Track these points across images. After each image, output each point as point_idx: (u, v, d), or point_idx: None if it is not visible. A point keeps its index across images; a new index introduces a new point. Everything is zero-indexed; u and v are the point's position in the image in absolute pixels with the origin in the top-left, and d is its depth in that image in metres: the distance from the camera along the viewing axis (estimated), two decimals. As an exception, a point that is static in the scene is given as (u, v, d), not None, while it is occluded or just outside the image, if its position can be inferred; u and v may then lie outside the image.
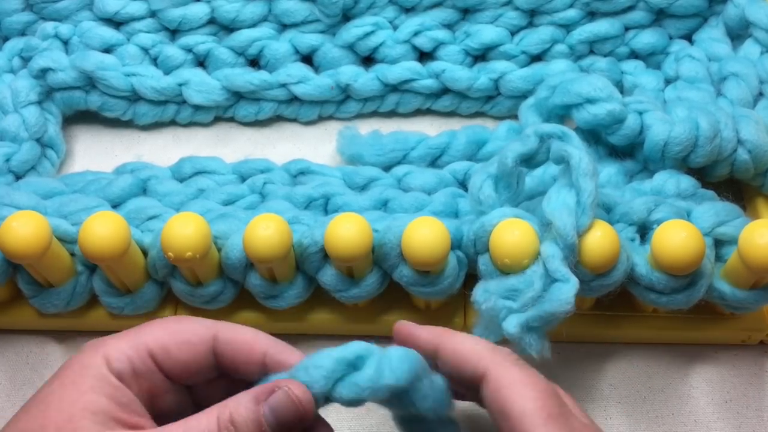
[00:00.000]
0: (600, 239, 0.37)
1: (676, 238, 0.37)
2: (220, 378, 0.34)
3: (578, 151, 0.37)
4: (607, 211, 0.42)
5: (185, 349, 0.32)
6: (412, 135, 0.51)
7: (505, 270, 0.38)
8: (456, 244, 0.41)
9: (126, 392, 0.31)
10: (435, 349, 0.34)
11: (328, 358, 0.31)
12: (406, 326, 0.35)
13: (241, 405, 0.30)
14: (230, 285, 0.42)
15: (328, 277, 0.41)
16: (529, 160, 0.40)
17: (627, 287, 0.40)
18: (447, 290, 0.40)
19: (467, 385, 0.33)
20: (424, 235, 0.38)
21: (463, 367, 0.33)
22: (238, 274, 0.41)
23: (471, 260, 0.41)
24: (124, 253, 0.39)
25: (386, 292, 0.42)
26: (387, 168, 0.49)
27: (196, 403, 0.34)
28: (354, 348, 0.31)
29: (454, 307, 0.44)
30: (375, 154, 0.50)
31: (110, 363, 0.31)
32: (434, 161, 0.50)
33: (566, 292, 0.36)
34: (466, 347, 0.33)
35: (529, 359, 0.35)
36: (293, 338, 0.38)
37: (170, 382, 0.33)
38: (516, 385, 0.31)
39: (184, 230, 0.38)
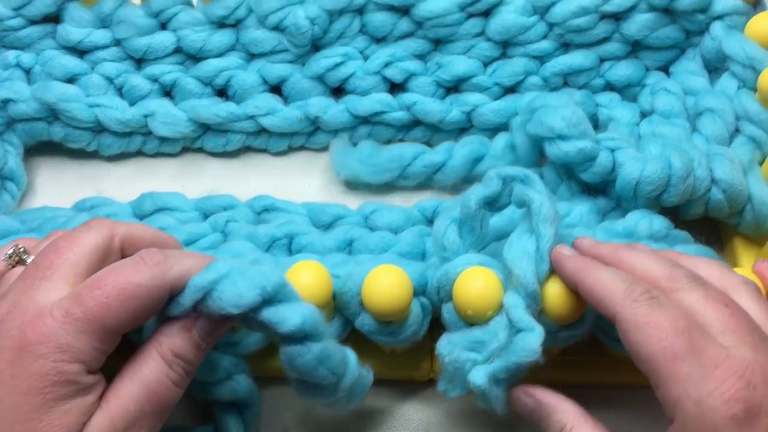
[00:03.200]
0: (565, 290, 0.36)
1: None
2: None
3: (539, 196, 0.36)
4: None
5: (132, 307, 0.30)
6: (409, 149, 0.50)
7: (468, 321, 0.37)
8: (420, 291, 0.40)
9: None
10: (575, 284, 0.34)
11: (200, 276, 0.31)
12: (556, 253, 0.35)
13: (174, 338, 0.31)
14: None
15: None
16: (493, 203, 0.39)
17: (597, 335, 0.39)
18: (410, 339, 0.39)
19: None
20: (385, 285, 0.37)
21: (598, 307, 0.33)
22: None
23: (436, 307, 0.40)
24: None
25: (352, 331, 0.41)
26: (385, 185, 0.49)
27: None
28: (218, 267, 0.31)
29: (420, 352, 0.42)
30: (371, 174, 0.49)
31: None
32: (432, 175, 0.50)
33: (531, 341, 0.35)
34: (599, 286, 0.32)
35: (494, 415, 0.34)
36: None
37: None
38: (642, 328, 0.30)
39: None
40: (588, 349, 0.41)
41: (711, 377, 0.28)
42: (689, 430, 0.28)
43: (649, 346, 0.29)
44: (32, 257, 0.34)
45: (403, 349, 0.42)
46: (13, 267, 0.34)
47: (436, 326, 0.40)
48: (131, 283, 0.30)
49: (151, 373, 0.31)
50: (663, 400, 0.29)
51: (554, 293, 0.36)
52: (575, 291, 0.35)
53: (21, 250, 0.34)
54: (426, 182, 0.51)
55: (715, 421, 0.27)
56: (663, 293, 0.31)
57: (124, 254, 0.34)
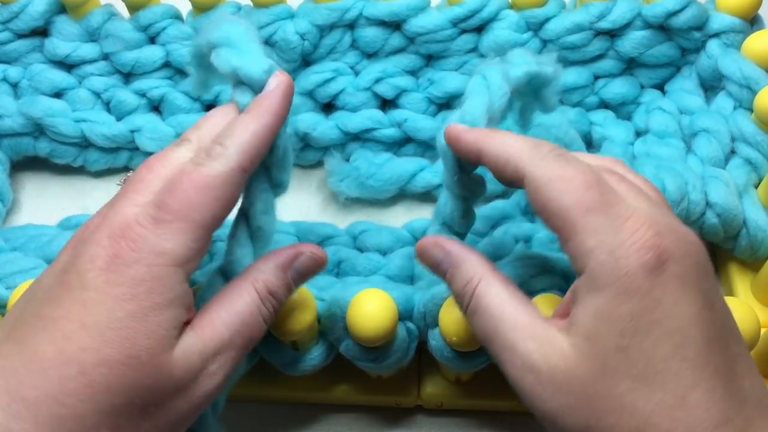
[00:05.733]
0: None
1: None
2: None
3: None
4: (566, 280, 0.40)
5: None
6: (408, 166, 0.49)
7: (454, 347, 0.36)
8: (406, 315, 0.39)
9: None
10: (478, 154, 0.33)
11: None
12: (451, 130, 0.35)
13: (270, 275, 0.33)
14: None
15: (271, 351, 0.39)
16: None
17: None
18: (396, 364, 0.38)
19: (517, 187, 0.32)
20: (369, 310, 0.36)
21: (506, 170, 0.32)
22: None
23: (422, 332, 0.39)
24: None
25: (337, 356, 0.40)
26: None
27: None
28: None
29: (408, 377, 0.42)
30: (370, 193, 0.49)
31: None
32: (432, 191, 0.49)
33: None
34: (505, 149, 0.32)
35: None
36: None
37: None
38: (554, 182, 0.29)
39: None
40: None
41: (623, 228, 0.28)
42: (601, 279, 0.28)
43: (561, 200, 0.29)
44: None
45: (390, 375, 0.41)
46: None
47: (424, 351, 0.39)
48: (205, 175, 0.31)
49: (245, 305, 0.32)
50: (574, 252, 0.29)
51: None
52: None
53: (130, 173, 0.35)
54: (428, 194, 0.50)
55: (628, 268, 0.28)
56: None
57: None
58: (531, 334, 0.29)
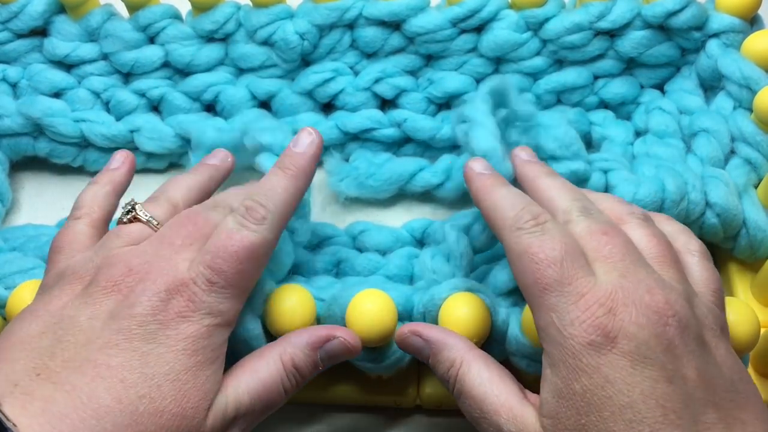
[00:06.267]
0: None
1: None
2: None
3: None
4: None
5: None
6: (407, 166, 0.49)
7: (454, 347, 0.36)
8: (406, 315, 0.39)
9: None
10: (476, 204, 0.36)
11: None
12: (468, 169, 0.37)
13: (299, 350, 0.33)
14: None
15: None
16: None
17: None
18: (395, 365, 0.38)
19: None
20: (368, 310, 0.36)
21: (493, 230, 0.34)
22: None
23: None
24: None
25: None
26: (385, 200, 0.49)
27: None
28: None
29: (406, 378, 0.41)
30: (369, 193, 0.49)
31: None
32: (432, 191, 0.49)
33: None
34: (493, 210, 0.34)
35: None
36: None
37: None
38: (521, 257, 0.31)
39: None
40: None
41: (575, 306, 0.29)
42: (554, 356, 0.29)
43: (524, 277, 0.31)
44: (145, 210, 0.36)
45: (389, 375, 0.41)
46: (131, 223, 0.35)
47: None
48: (255, 244, 0.33)
49: (269, 375, 0.33)
50: (537, 328, 0.30)
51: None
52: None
53: (133, 203, 0.36)
54: (427, 194, 0.50)
55: (575, 347, 0.28)
56: (557, 223, 0.32)
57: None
58: (511, 416, 0.30)
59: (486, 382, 0.32)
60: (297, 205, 0.36)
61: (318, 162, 0.37)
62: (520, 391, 0.32)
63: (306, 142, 0.37)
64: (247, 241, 0.32)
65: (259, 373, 0.33)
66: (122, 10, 0.52)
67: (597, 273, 0.30)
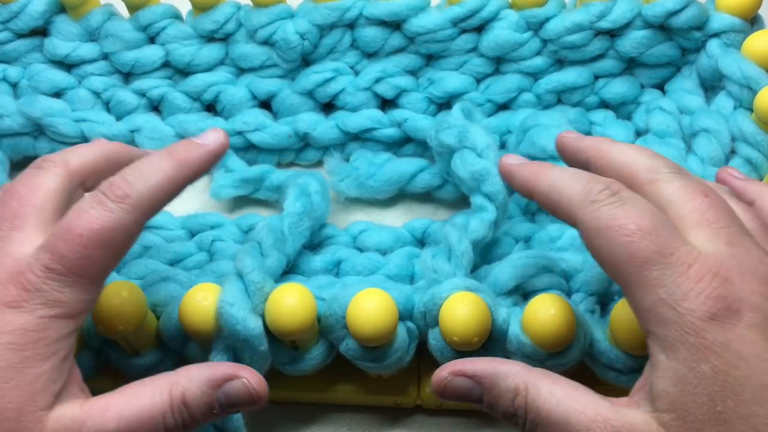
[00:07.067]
0: (553, 316, 0.35)
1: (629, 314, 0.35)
2: None
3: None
4: (566, 279, 0.40)
5: None
6: (408, 166, 0.49)
7: (454, 347, 0.36)
8: (407, 315, 0.39)
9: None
10: (530, 193, 0.32)
11: None
12: (504, 164, 0.34)
13: (194, 385, 0.29)
14: (169, 355, 0.40)
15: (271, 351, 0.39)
16: None
17: (585, 362, 0.38)
18: (396, 364, 0.38)
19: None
20: (369, 309, 0.36)
21: (558, 214, 0.30)
22: (177, 344, 0.39)
23: (422, 332, 0.39)
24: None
25: (337, 356, 0.40)
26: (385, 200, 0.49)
27: None
28: None
29: (407, 377, 0.41)
30: (370, 193, 0.48)
31: None
32: (432, 192, 0.49)
33: None
34: (554, 191, 0.30)
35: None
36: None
37: None
38: (605, 232, 0.27)
39: (114, 301, 0.36)
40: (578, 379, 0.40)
41: (685, 278, 0.25)
42: (669, 338, 0.25)
43: (613, 253, 0.27)
44: None
45: (390, 375, 0.41)
46: None
47: (424, 351, 0.39)
48: (106, 227, 0.28)
49: (151, 406, 0.29)
50: (636, 308, 0.27)
51: (540, 320, 0.35)
52: (566, 311, 0.33)
53: None
54: (428, 195, 0.50)
55: (695, 324, 0.25)
56: (641, 186, 0.29)
57: (85, 187, 0.32)
58: (610, 428, 0.26)
59: (564, 400, 0.27)
60: (173, 196, 0.31)
61: (220, 165, 0.33)
62: (602, 398, 0.27)
63: (211, 137, 0.33)
64: (96, 223, 0.28)
65: (139, 400, 0.29)
66: (122, 10, 0.52)
67: (697, 240, 0.26)
